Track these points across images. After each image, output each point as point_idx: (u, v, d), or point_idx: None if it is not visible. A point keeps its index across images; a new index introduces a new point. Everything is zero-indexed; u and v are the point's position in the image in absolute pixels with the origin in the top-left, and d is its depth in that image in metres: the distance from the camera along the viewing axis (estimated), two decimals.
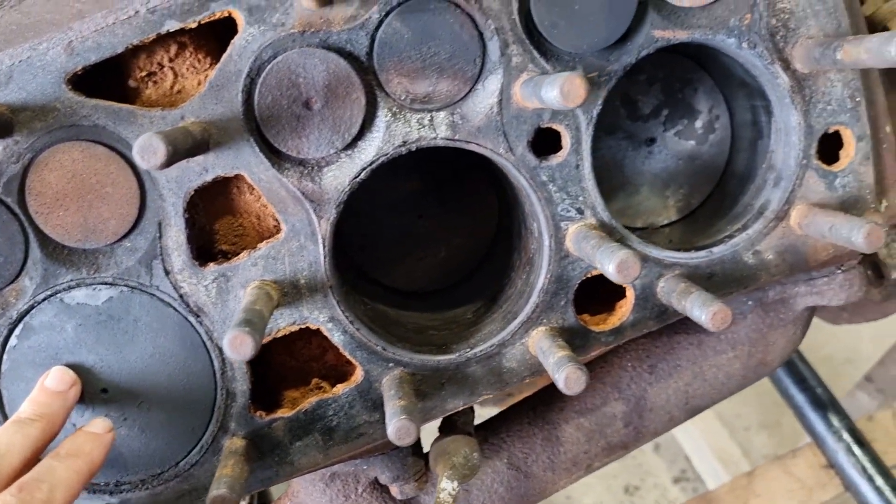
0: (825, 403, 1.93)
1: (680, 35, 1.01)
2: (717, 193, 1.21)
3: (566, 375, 0.94)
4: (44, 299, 1.01)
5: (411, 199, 1.29)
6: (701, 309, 0.95)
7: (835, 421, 1.92)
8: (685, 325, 1.23)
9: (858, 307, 1.56)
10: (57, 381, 0.98)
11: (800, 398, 1.93)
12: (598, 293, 1.12)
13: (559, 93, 0.83)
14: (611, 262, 0.90)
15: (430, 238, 1.30)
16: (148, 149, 0.80)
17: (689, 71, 1.18)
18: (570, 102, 0.83)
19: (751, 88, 1.11)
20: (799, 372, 1.94)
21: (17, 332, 1.01)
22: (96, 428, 0.96)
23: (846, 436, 1.91)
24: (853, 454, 1.89)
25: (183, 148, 0.86)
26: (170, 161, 0.82)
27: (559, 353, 0.99)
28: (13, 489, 0.82)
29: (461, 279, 1.31)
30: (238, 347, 0.83)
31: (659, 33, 1.01)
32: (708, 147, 1.21)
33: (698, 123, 1.20)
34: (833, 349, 3.66)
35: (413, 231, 1.30)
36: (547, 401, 1.23)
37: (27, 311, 1.01)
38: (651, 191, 1.21)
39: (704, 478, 3.27)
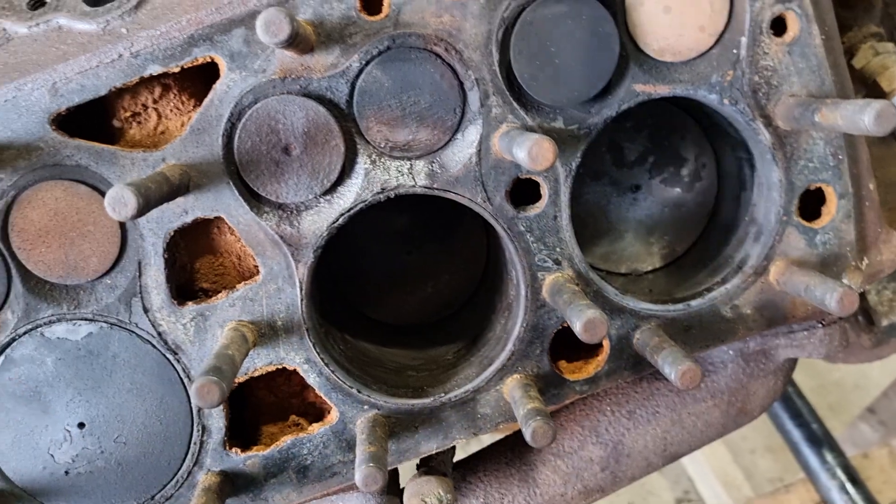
0: (820, 439, 1.91)
1: (661, 90, 1.01)
2: (702, 243, 1.20)
3: (533, 429, 0.95)
4: (25, 332, 1.03)
5: (401, 235, 1.29)
6: (671, 366, 0.95)
7: (829, 458, 1.91)
8: None
9: (850, 350, 1.55)
10: None
11: (795, 434, 1.92)
12: (575, 340, 1.12)
13: (527, 155, 0.83)
14: (578, 321, 0.90)
15: (419, 273, 1.31)
16: (118, 200, 0.81)
17: (676, 118, 1.18)
18: (537, 166, 0.83)
19: (735, 140, 1.10)
20: (795, 407, 1.93)
21: None
22: None
23: (840, 473, 1.90)
24: (846, 492, 1.88)
25: (156, 197, 0.88)
26: (141, 212, 0.83)
27: (529, 404, 0.99)
28: None
29: (447, 316, 1.31)
30: (205, 396, 0.84)
31: (640, 87, 1.01)
32: (694, 195, 1.20)
33: (685, 171, 1.20)
34: (843, 374, 3.64)
35: (401, 266, 1.31)
36: (525, 441, 1.23)
37: (8, 344, 1.03)
38: (635, 237, 1.21)
39: (707, 501, 3.26)
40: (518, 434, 1.27)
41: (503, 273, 1.16)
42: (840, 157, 1.05)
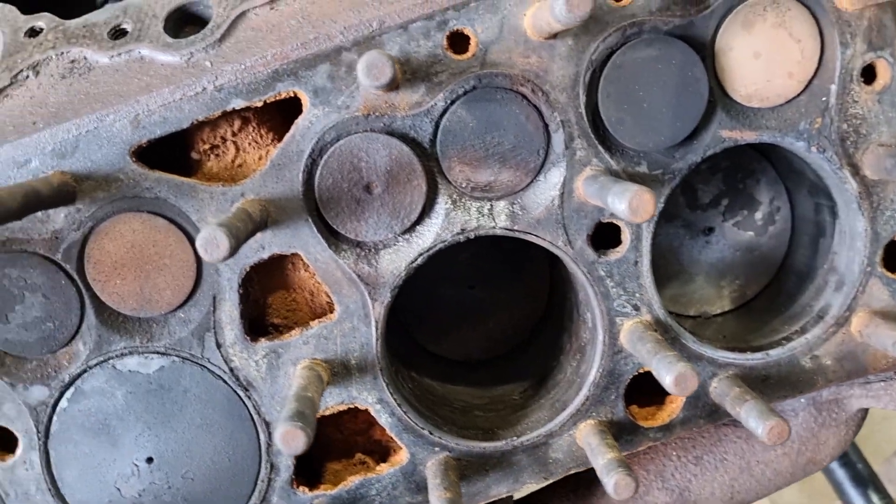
0: (865, 480, 1.89)
1: (748, 136, 1.00)
2: (774, 287, 1.18)
3: (615, 482, 0.93)
4: (96, 364, 1.01)
5: (464, 270, 1.28)
6: (757, 421, 0.93)
7: (875, 498, 1.88)
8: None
9: None
10: None
11: (840, 473, 1.89)
12: (646, 384, 1.10)
13: (627, 207, 0.81)
14: (669, 374, 0.88)
15: (481, 309, 1.29)
16: (211, 242, 0.80)
17: (752, 161, 1.16)
18: (637, 218, 0.82)
19: (815, 186, 1.08)
20: None
21: (68, 394, 1.02)
22: None
23: None
24: None
25: (244, 236, 0.86)
26: (232, 253, 0.81)
27: (609, 454, 0.97)
28: None
29: (509, 352, 1.30)
30: (290, 442, 0.83)
31: (727, 133, 0.99)
32: (767, 239, 1.18)
33: (758, 214, 1.18)
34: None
35: (464, 301, 1.29)
36: (588, 484, 1.22)
37: (79, 375, 1.02)
38: (706, 280, 1.19)
39: None
40: (580, 475, 1.25)
41: (573, 314, 1.15)
42: None
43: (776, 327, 1.10)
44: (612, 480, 0.93)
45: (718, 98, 0.99)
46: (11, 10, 1.06)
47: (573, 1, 0.78)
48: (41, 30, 1.04)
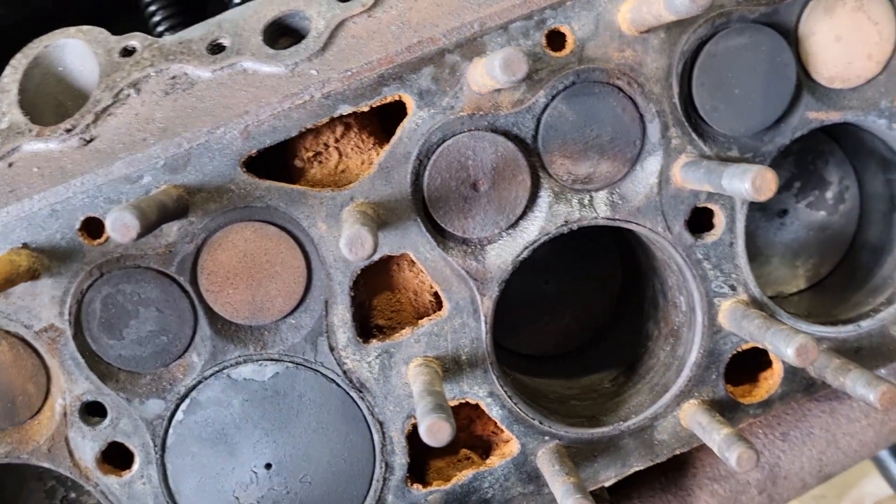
0: None
1: (833, 116, 1.04)
2: (847, 264, 1.23)
3: (738, 455, 0.96)
4: (211, 375, 1.02)
5: (538, 265, 1.30)
6: (867, 388, 0.97)
7: None
8: None
9: None
10: None
11: (883, 452, 1.94)
12: (737, 363, 1.13)
13: (750, 186, 0.85)
14: (789, 347, 0.92)
15: (556, 302, 1.32)
16: (356, 241, 0.82)
17: (820, 143, 1.21)
18: (761, 196, 0.85)
19: (888, 162, 1.13)
20: None
21: (183, 406, 1.03)
22: None
23: None
24: None
25: (377, 235, 0.88)
26: (375, 251, 0.84)
27: (723, 430, 1.00)
28: None
29: (586, 344, 1.32)
30: (437, 434, 0.85)
31: (813, 115, 1.04)
32: (838, 217, 1.23)
33: (829, 194, 1.23)
34: None
35: (539, 296, 1.32)
36: (678, 466, 1.25)
37: (194, 387, 1.03)
38: (782, 261, 1.23)
39: None
40: (669, 459, 1.28)
41: (658, 300, 1.18)
42: None
43: (860, 300, 1.14)
44: (734, 454, 0.96)
45: (804, 81, 1.03)
46: (101, 32, 1.07)
47: None
48: (134, 49, 1.05)
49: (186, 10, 1.44)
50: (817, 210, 1.23)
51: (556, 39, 0.99)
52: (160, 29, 1.42)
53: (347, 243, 0.82)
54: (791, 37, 1.01)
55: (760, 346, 1.00)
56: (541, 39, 0.98)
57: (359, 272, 1.01)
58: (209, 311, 1.01)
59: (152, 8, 1.45)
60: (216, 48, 1.03)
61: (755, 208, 1.22)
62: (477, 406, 1.07)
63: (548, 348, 1.34)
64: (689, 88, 1.01)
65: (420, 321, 1.04)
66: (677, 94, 1.00)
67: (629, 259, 1.28)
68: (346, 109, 0.98)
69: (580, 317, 1.32)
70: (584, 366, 1.28)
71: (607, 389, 1.19)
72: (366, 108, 0.98)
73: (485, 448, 1.14)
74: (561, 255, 1.31)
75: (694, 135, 1.02)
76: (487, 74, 0.86)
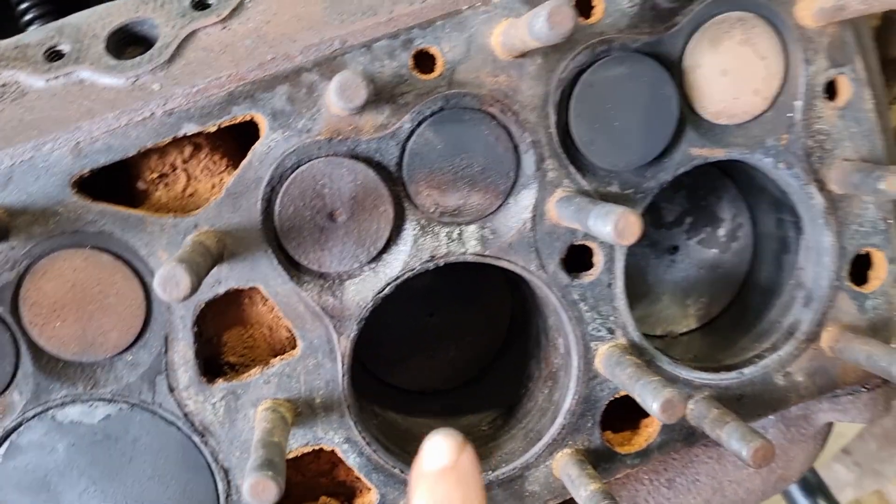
0: (814, 488, 1.91)
1: (717, 153, 0.99)
2: (738, 305, 1.18)
3: None
4: (34, 416, 0.92)
5: (422, 296, 1.23)
6: (741, 443, 0.91)
7: None
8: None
9: None
10: (436, 455, 0.74)
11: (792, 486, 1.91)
12: (617, 409, 1.07)
13: (612, 229, 0.78)
14: (655, 401, 0.86)
15: (441, 336, 1.24)
16: (170, 280, 0.73)
17: (714, 178, 1.15)
18: (623, 240, 0.79)
19: (779, 202, 1.08)
20: None
21: (1, 450, 0.93)
22: (445, 456, 0.72)
23: None
24: None
25: (205, 272, 0.80)
26: (194, 291, 0.75)
27: (591, 485, 0.94)
28: None
29: (470, 381, 1.25)
30: (261, 494, 0.76)
31: (696, 151, 0.98)
32: (730, 256, 1.18)
33: (721, 231, 1.17)
34: None
35: (423, 329, 1.24)
36: None
37: (14, 429, 0.92)
38: (672, 299, 1.18)
39: None
40: None
41: (541, 339, 1.11)
42: (890, 220, 1.03)
43: (745, 345, 1.09)
44: None
45: (687, 116, 0.97)
46: None
47: (555, 17, 0.75)
48: None
49: (62, 9, 1.34)
50: (709, 247, 1.17)
51: (424, 61, 0.91)
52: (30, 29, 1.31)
53: (160, 283, 0.73)
54: (675, 69, 0.96)
55: (631, 396, 0.94)
56: (407, 60, 0.90)
57: (203, 306, 0.93)
58: (32, 346, 0.91)
59: (22, 5, 1.34)
60: (54, 55, 0.94)
61: (644, 244, 1.16)
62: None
63: (431, 384, 1.26)
64: (567, 119, 0.94)
65: (272, 360, 0.96)
66: (554, 123, 0.94)
67: (518, 293, 1.22)
68: (191, 129, 0.89)
69: (465, 352, 1.25)
70: (464, 405, 1.20)
71: (483, 432, 1.12)
72: (213, 129, 0.89)
73: (348, 495, 1.06)
74: (448, 286, 1.24)
75: (571, 168, 0.95)
76: (331, 97, 0.78)
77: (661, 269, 1.17)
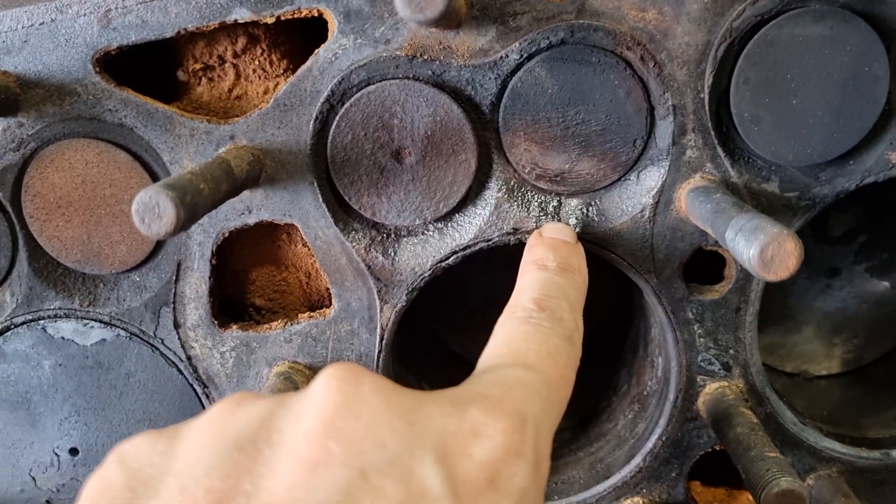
0: None
1: None
2: None
3: None
4: (23, 323, 0.79)
5: (513, 258, 1.03)
6: None
7: None
8: None
9: None
10: (559, 229, 0.71)
11: None
12: (717, 456, 0.85)
13: (758, 257, 0.55)
14: (765, 490, 0.63)
15: None
16: (150, 210, 0.56)
17: None
18: (770, 275, 0.55)
19: None
20: None
21: None
22: (566, 235, 0.70)
23: None
24: None
25: (210, 202, 0.62)
26: (182, 228, 0.57)
27: None
28: (537, 310, 0.59)
29: None
30: None
31: None
32: None
33: None
34: None
35: (502, 299, 1.04)
36: None
37: (1, 332, 0.80)
38: (816, 332, 0.93)
39: None
40: None
41: (639, 347, 0.90)
42: None
43: None
44: None
45: None
46: None
47: None
48: None
49: None
50: (880, 278, 0.91)
51: None
52: None
53: (136, 210, 0.55)
54: (894, 41, 0.69)
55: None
56: None
57: (227, 234, 0.76)
58: (31, 243, 0.77)
59: None
60: None
61: None
62: None
63: None
64: (728, 84, 0.70)
65: (300, 315, 0.79)
66: (709, 87, 0.70)
67: (627, 279, 1.00)
68: (243, 15, 0.70)
69: None
70: None
71: None
72: (271, 19, 0.70)
73: None
74: None
75: (720, 150, 0.71)
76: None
77: (810, 294, 0.92)
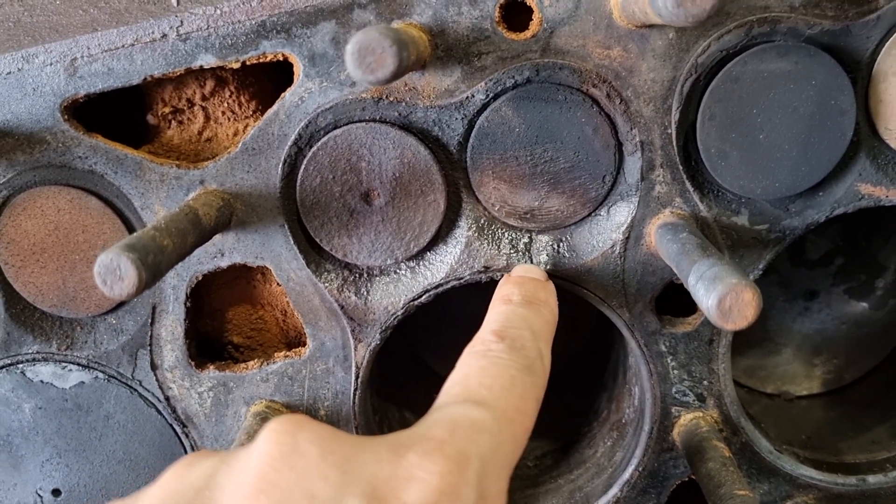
0: None
1: None
2: (880, 378, 0.92)
3: None
4: (2, 367, 0.80)
5: (492, 285, 1.03)
6: None
7: None
8: None
9: None
10: (528, 269, 0.72)
11: None
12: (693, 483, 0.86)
13: (715, 305, 0.55)
14: None
15: None
16: (111, 271, 0.56)
17: (884, 215, 0.88)
18: (727, 323, 0.55)
19: None
20: None
21: None
22: (534, 274, 0.70)
23: None
24: None
25: (175, 257, 0.62)
26: (143, 289, 0.58)
27: None
28: (496, 341, 0.59)
29: None
30: None
31: (867, 189, 0.72)
32: (884, 315, 0.91)
33: (880, 283, 0.91)
34: None
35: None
36: None
37: None
38: (796, 354, 0.93)
39: None
40: None
41: (618, 375, 0.90)
42: None
43: (879, 439, 0.84)
44: None
45: (864, 139, 0.71)
46: None
47: None
48: None
49: None
50: (858, 299, 0.91)
51: (515, 14, 0.69)
52: None
53: (98, 272, 0.56)
54: (860, 73, 0.69)
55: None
56: (493, 11, 0.68)
57: (200, 277, 0.76)
58: (7, 288, 0.78)
59: None
60: None
61: (773, 281, 0.91)
62: None
63: None
64: (695, 119, 0.70)
65: (276, 355, 0.79)
66: (676, 123, 0.70)
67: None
68: (209, 61, 0.70)
69: None
70: None
71: (527, 471, 0.93)
72: (236, 65, 0.71)
73: None
74: None
75: (689, 184, 0.71)
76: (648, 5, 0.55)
77: (789, 316, 0.92)
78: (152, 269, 0.58)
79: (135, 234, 0.60)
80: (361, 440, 0.47)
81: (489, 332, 0.60)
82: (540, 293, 0.67)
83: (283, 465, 0.44)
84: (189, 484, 0.46)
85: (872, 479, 0.79)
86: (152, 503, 0.46)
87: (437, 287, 0.75)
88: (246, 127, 0.77)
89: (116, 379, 0.79)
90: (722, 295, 0.55)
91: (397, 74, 0.54)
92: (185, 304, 0.77)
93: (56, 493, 0.83)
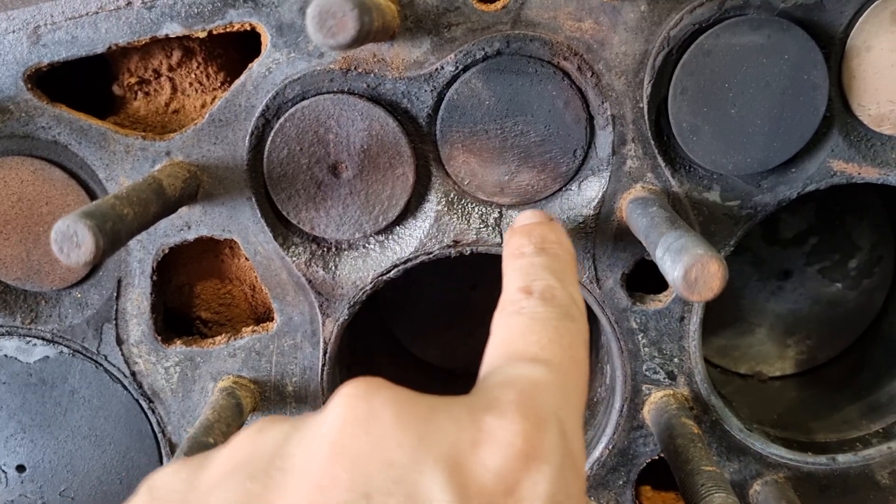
0: None
1: (869, 173, 0.72)
2: (853, 358, 0.92)
3: None
4: None
5: (466, 265, 1.02)
6: None
7: None
8: None
9: None
10: (533, 217, 0.66)
11: None
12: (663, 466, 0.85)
13: (682, 278, 0.55)
14: (702, 501, 0.63)
15: (482, 312, 1.04)
16: (68, 238, 0.55)
17: (858, 194, 0.88)
18: (692, 295, 0.55)
19: None
20: None
21: None
22: (537, 217, 0.66)
23: None
24: None
25: (136, 225, 0.61)
26: (101, 257, 0.57)
27: None
28: (526, 297, 0.56)
29: None
30: None
31: (839, 165, 0.71)
32: (857, 295, 0.91)
33: (853, 262, 0.91)
34: None
35: (463, 302, 1.05)
36: None
37: None
38: (770, 334, 0.93)
39: None
40: None
41: (591, 354, 0.89)
42: None
43: (850, 418, 0.84)
44: None
45: (837, 115, 0.70)
46: None
47: None
48: None
49: None
50: (832, 279, 0.91)
51: None
52: None
53: (54, 239, 0.55)
54: (833, 47, 0.68)
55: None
56: None
57: (166, 250, 0.75)
58: None
59: None
60: None
61: (747, 261, 0.91)
62: None
63: (462, 363, 1.07)
64: (666, 93, 0.69)
65: (243, 330, 0.79)
66: (648, 97, 0.69)
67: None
68: (175, 30, 0.69)
69: None
70: None
71: None
72: (202, 34, 0.69)
73: None
74: (498, 256, 1.03)
75: (660, 159, 0.71)
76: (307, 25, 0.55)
77: (762, 295, 0.92)
78: (111, 237, 0.56)
79: (94, 202, 0.59)
80: (435, 403, 0.44)
81: (515, 290, 0.57)
82: (550, 235, 0.64)
83: (358, 431, 0.41)
84: (261, 449, 0.43)
85: (842, 459, 0.79)
86: (224, 467, 0.43)
87: (405, 262, 0.75)
88: (214, 99, 0.76)
89: (81, 353, 0.78)
90: (688, 266, 0.54)
91: (359, 39, 0.53)
92: (152, 277, 0.76)
93: (21, 468, 0.82)
